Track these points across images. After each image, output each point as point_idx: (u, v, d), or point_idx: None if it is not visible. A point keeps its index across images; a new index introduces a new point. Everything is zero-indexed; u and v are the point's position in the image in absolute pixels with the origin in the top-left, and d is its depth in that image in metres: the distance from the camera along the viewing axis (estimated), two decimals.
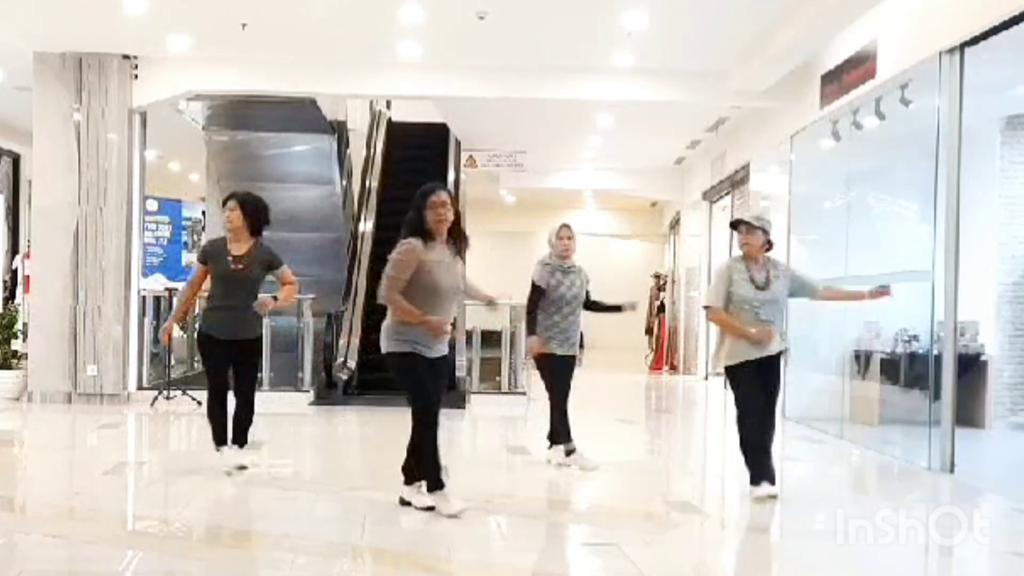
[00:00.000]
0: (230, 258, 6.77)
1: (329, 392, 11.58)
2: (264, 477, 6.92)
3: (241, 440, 6.91)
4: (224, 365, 6.88)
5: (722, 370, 6.51)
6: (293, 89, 11.36)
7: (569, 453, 7.35)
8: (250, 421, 6.97)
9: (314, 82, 11.23)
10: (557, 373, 7.41)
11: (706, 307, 6.57)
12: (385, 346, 5.75)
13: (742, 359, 6.32)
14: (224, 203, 6.98)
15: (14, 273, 13.55)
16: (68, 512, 6.03)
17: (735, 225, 6.54)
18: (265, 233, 6.94)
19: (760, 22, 9.30)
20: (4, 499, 6.35)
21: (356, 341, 11.99)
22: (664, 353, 18.11)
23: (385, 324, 5.76)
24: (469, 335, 11.83)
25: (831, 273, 9.59)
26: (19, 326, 11.49)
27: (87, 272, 10.64)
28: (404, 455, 5.81)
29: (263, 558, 5.00)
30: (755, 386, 6.33)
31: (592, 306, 7.63)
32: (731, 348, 6.37)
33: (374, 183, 14.21)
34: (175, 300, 10.95)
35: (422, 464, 5.76)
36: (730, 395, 6.56)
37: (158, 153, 14.85)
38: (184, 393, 10.70)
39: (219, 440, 6.88)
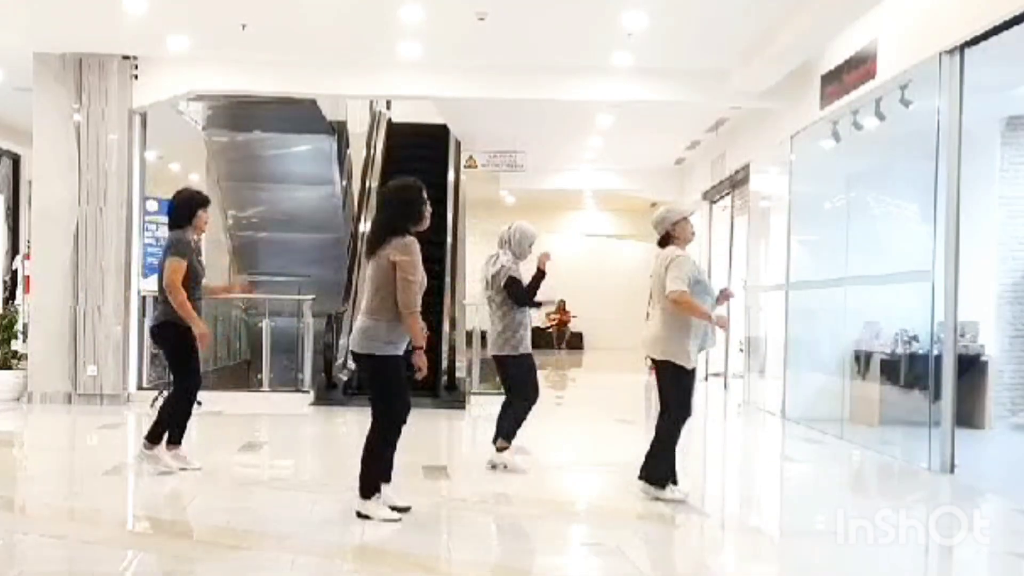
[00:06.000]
0: None
1: (329, 393, 11.55)
2: (264, 477, 6.91)
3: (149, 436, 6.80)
4: None
5: (683, 365, 6.04)
6: (293, 89, 11.36)
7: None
8: (160, 419, 6.82)
9: (314, 82, 11.24)
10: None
11: (680, 291, 5.88)
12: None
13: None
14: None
15: (14, 273, 13.54)
16: (68, 512, 6.03)
17: (683, 219, 6.20)
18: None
19: (760, 22, 9.31)
20: (4, 499, 6.34)
21: None
22: None
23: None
24: (469, 335, 11.80)
25: (831, 273, 9.61)
26: (19, 326, 11.48)
27: (87, 272, 10.63)
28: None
29: (263, 558, 5.00)
30: None
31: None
32: (695, 345, 6.09)
33: (374, 183, 14.18)
34: None
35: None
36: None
37: (158, 154, 14.83)
38: None
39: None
